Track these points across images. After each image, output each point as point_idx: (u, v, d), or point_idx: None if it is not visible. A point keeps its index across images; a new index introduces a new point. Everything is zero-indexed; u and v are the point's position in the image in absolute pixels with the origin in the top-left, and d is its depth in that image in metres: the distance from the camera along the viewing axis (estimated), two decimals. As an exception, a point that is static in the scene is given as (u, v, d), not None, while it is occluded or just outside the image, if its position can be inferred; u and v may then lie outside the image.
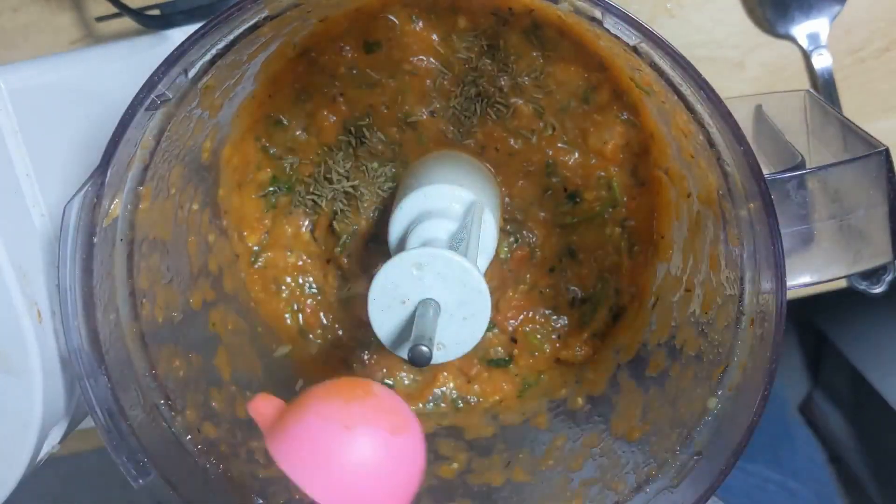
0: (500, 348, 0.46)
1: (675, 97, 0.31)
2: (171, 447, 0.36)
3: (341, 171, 0.44)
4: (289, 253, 0.45)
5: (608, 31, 0.31)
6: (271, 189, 0.44)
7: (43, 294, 0.34)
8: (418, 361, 0.29)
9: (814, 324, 1.01)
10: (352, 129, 0.43)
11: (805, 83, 0.53)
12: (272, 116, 0.43)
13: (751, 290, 0.33)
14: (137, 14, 0.48)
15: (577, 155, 0.42)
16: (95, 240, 0.32)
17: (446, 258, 0.32)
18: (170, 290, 0.38)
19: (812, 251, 0.35)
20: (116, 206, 0.33)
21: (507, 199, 0.44)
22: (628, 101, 0.40)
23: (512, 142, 0.42)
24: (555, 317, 0.45)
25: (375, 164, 0.44)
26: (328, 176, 0.44)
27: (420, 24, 0.40)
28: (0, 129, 0.33)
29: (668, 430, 0.36)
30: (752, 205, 0.31)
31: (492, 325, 0.45)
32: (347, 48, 0.41)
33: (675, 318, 0.39)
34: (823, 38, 0.52)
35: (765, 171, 0.30)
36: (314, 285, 0.46)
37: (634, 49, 0.31)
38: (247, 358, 0.42)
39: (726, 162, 0.32)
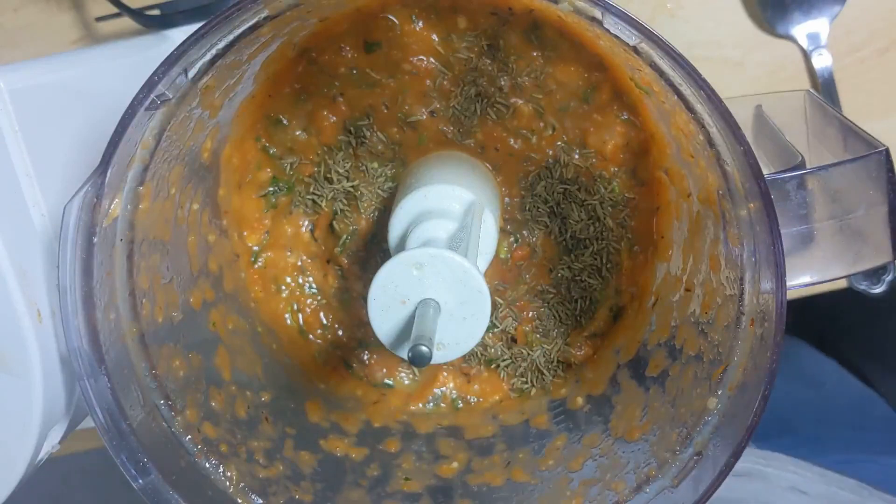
0: (500, 348, 0.46)
1: (675, 97, 0.31)
2: (172, 447, 0.36)
3: (341, 171, 0.44)
4: (289, 253, 0.45)
5: (608, 31, 0.31)
6: (271, 189, 0.44)
7: (43, 294, 0.34)
8: (418, 361, 0.29)
9: (814, 324, 1.01)
10: (352, 129, 0.43)
11: (805, 83, 0.53)
12: (272, 116, 0.43)
13: (751, 290, 0.33)
14: (137, 14, 0.48)
15: (577, 155, 0.42)
16: (95, 240, 0.32)
17: (446, 258, 0.32)
18: (170, 290, 0.38)
19: (812, 251, 0.35)
20: (116, 206, 0.33)
21: (507, 199, 0.44)
22: (628, 101, 0.40)
23: (512, 142, 0.42)
24: (555, 316, 0.45)
25: (375, 164, 0.44)
26: (328, 176, 0.44)
27: (420, 24, 0.40)
28: (0, 129, 0.33)
29: (668, 430, 0.36)
30: (752, 205, 0.31)
31: (492, 324, 0.45)
32: (347, 48, 0.41)
33: (675, 317, 0.39)
34: (823, 38, 0.52)
35: (765, 171, 0.30)
36: (314, 285, 0.46)
37: (634, 49, 0.31)
38: (247, 358, 0.42)
39: (726, 162, 0.32)
